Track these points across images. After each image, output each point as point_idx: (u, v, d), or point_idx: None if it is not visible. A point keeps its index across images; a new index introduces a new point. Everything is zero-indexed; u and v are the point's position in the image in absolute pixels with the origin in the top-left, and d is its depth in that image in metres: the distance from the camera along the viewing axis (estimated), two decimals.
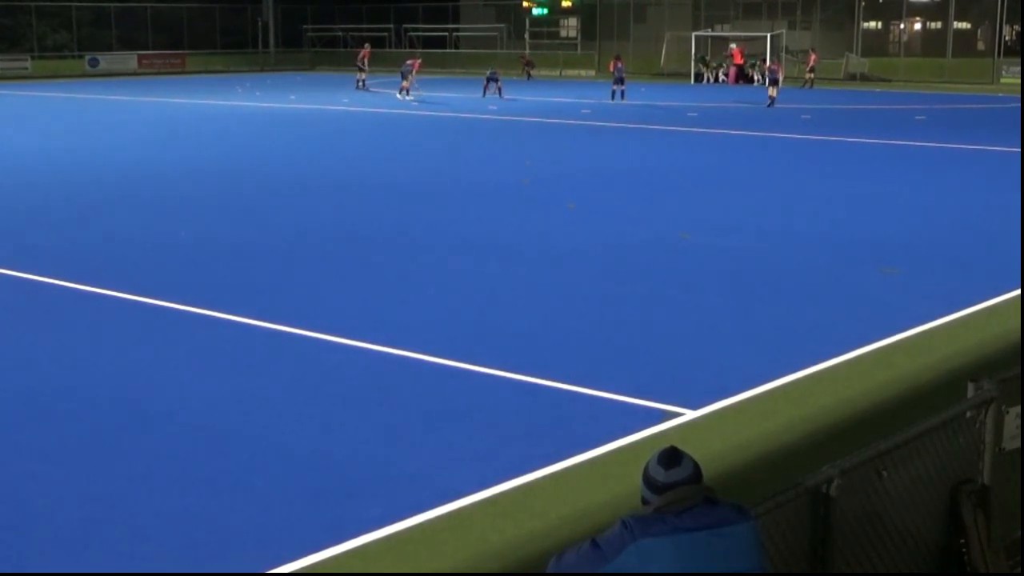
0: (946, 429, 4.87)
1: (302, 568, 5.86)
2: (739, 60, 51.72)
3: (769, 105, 36.72)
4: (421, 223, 15.94)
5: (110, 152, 24.97)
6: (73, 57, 60.68)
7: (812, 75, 46.13)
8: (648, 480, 3.67)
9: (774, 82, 37.60)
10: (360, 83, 46.62)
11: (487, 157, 24.41)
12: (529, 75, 53.95)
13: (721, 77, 51.69)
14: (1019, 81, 44.75)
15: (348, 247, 14.33)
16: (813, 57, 47.08)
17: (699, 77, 51.88)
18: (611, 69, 40.51)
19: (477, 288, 12.14)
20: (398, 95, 41.27)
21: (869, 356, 9.58)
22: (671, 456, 3.68)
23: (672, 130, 29.69)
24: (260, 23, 67.08)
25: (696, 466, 3.68)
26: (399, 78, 42.47)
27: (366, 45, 49.98)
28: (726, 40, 54.77)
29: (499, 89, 41.83)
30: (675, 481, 3.62)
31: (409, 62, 43.42)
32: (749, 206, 17.40)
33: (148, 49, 62.66)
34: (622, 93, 39.13)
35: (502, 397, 8.56)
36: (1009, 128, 28.91)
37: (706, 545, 3.50)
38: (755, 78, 49.51)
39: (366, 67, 47.40)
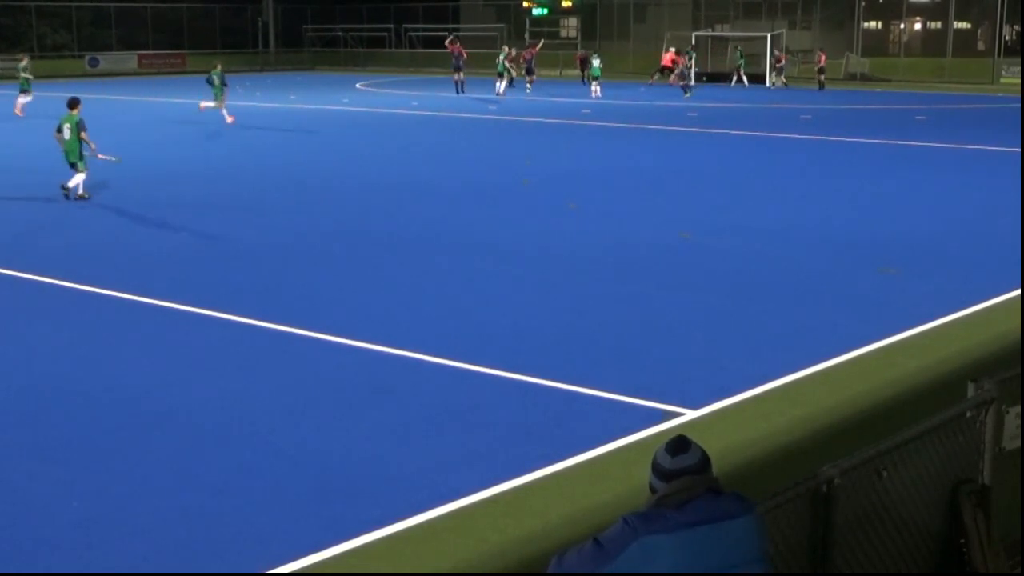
0: (946, 429, 4.87)
1: (302, 568, 5.86)
2: (668, 63, 50.13)
3: (785, 85, 46.96)
4: (420, 223, 15.94)
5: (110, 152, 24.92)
6: (73, 57, 60.68)
7: (823, 76, 45.99)
8: (655, 467, 3.68)
9: (779, 70, 47.83)
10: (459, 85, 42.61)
11: (487, 157, 24.40)
12: (529, 81, 47.09)
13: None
14: (1019, 81, 44.75)
15: (348, 247, 14.33)
16: (822, 57, 46.90)
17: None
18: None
19: (477, 288, 12.13)
20: (527, 88, 43.48)
21: (869, 356, 9.58)
22: (678, 443, 3.69)
23: (672, 130, 29.69)
24: (260, 23, 67.07)
25: (704, 455, 3.68)
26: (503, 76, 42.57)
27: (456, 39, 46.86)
28: (725, 40, 54.66)
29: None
30: (680, 468, 3.61)
31: (528, 54, 44.57)
32: (749, 206, 17.40)
33: (148, 49, 62.68)
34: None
35: (502, 397, 8.56)
36: (1009, 128, 28.90)
37: (708, 540, 3.50)
38: (744, 79, 49.15)
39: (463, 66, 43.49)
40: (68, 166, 17.81)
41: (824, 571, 4.28)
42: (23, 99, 32.83)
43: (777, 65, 48.85)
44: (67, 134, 17.74)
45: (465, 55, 43.74)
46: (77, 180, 17.80)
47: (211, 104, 30.96)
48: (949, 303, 11.23)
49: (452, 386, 8.82)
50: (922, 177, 20.88)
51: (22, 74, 33.57)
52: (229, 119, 30.33)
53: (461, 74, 43.02)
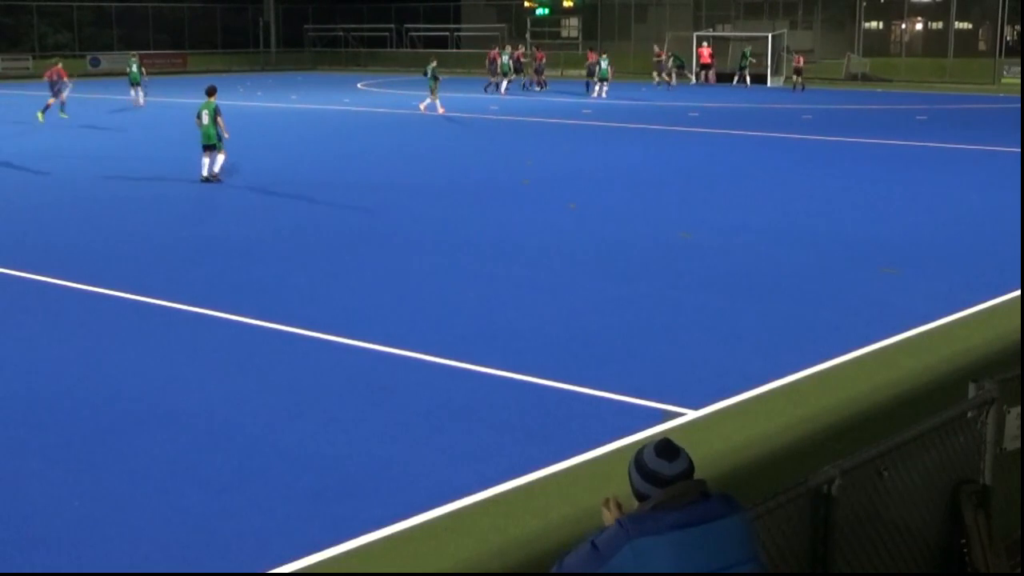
0: (947, 429, 4.87)
1: (302, 568, 5.86)
2: (705, 60, 50.78)
3: (670, 85, 47.51)
4: (421, 223, 15.94)
5: (110, 152, 24.96)
6: (74, 57, 60.66)
7: (798, 77, 45.73)
8: (648, 473, 3.67)
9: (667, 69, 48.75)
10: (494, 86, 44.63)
11: (487, 157, 24.40)
12: (540, 83, 47.41)
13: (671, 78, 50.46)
14: (1019, 81, 44.74)
15: (348, 246, 14.32)
16: (800, 59, 46.66)
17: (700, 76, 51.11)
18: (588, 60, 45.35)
19: (477, 288, 12.13)
20: (537, 88, 46.30)
21: (870, 356, 9.57)
22: (669, 449, 3.70)
23: (673, 130, 29.69)
24: (261, 23, 67.08)
25: (689, 458, 3.71)
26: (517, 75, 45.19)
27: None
28: (727, 40, 54.62)
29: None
30: (678, 474, 3.63)
31: (541, 59, 47.26)
32: (749, 206, 17.40)
33: (149, 49, 62.62)
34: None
35: (502, 397, 8.55)
36: (1009, 128, 28.90)
37: (700, 540, 3.50)
38: (747, 79, 49.03)
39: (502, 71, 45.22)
40: (203, 149, 19.39)
41: (824, 571, 4.27)
42: (134, 93, 37.19)
43: (666, 63, 49.77)
44: (205, 119, 19.22)
45: (500, 61, 44.91)
46: (219, 160, 19.51)
47: (428, 99, 33.96)
48: (949, 303, 11.22)
49: (452, 386, 8.82)
50: (922, 177, 20.87)
51: (134, 68, 37.19)
52: (440, 110, 33.56)
53: (501, 77, 44.40)
